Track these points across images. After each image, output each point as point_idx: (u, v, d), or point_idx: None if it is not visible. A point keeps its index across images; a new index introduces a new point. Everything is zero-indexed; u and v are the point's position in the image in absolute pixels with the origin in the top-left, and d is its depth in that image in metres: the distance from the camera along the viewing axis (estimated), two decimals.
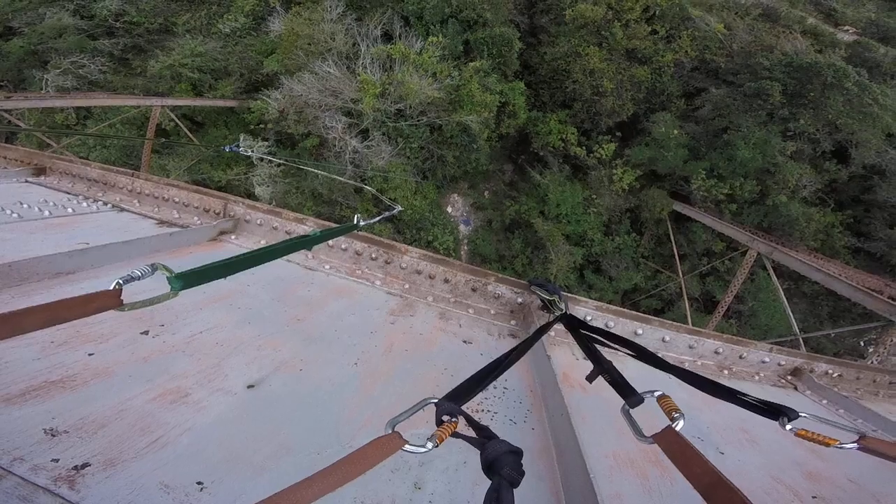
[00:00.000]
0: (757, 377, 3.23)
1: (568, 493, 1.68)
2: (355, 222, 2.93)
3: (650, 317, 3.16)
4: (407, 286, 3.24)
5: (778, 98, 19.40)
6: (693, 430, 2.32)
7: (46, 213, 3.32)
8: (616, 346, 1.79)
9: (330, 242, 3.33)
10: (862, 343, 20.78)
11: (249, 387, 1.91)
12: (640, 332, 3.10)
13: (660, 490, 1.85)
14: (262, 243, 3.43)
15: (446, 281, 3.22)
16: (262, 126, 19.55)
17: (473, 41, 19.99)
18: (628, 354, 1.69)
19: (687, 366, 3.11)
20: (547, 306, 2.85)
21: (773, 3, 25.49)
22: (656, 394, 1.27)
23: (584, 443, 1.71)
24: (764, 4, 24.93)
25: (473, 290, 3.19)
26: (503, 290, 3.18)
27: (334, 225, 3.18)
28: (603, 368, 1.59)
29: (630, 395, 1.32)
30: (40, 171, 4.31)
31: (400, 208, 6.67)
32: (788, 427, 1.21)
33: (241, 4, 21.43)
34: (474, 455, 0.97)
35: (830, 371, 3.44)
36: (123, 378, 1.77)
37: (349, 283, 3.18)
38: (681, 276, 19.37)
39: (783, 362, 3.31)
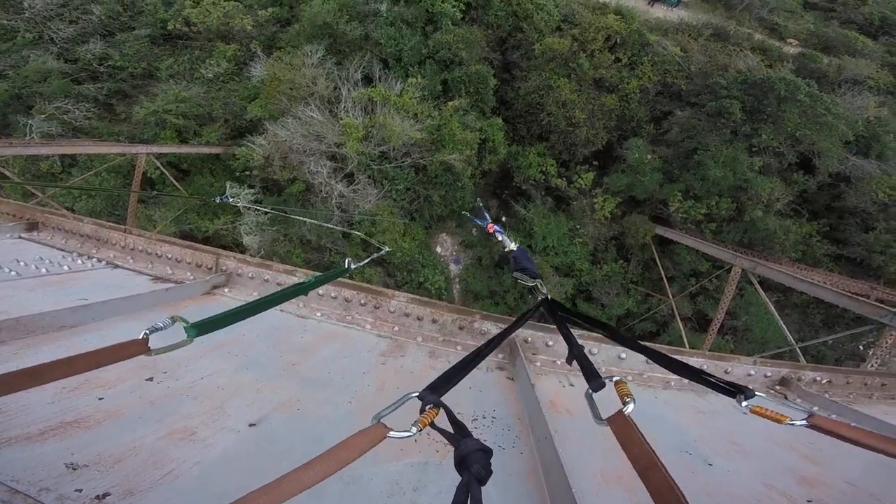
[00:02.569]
0: None
1: None
2: (346, 266, 3.07)
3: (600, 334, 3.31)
4: (396, 328, 3.35)
5: (739, 115, 20.01)
6: (681, 444, 2.42)
7: (43, 270, 3.42)
8: (591, 328, 1.97)
9: (320, 291, 3.45)
10: (861, 347, 20.87)
11: (251, 425, 2.04)
12: (623, 356, 3.22)
13: (648, 501, 1.94)
14: (255, 295, 3.54)
15: (434, 321, 3.34)
16: (247, 173, 19.57)
17: (451, 80, 20.49)
18: (602, 335, 1.87)
19: (672, 385, 3.22)
20: (531, 291, 2.96)
21: (722, 23, 26.65)
22: (614, 379, 1.39)
23: (569, 463, 1.82)
24: (714, 25, 26.05)
25: (461, 328, 3.31)
26: (488, 325, 3.30)
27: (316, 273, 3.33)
28: (573, 354, 1.71)
29: (593, 380, 1.44)
30: (33, 226, 4.38)
31: (387, 249, 6.85)
32: (744, 404, 1.35)
33: (222, 50, 21.70)
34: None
35: (819, 378, 3.53)
36: (133, 419, 1.91)
37: (340, 328, 3.29)
38: (671, 297, 19.53)
39: (769, 373, 3.42)
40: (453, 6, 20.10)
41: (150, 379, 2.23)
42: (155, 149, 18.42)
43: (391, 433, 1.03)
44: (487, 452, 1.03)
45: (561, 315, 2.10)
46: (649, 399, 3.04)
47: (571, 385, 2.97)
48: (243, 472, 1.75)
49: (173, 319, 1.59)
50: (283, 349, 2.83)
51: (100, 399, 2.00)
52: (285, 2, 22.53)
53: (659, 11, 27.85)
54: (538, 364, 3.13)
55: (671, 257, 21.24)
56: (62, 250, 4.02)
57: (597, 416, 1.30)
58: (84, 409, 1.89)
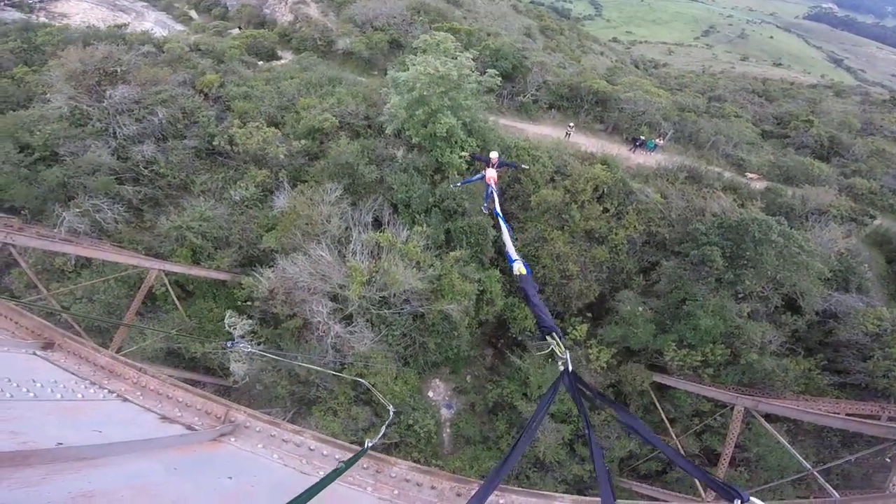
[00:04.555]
0: None
1: None
2: (365, 446, 3.28)
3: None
4: (396, 492, 3.42)
5: (720, 262, 20.82)
6: None
7: (59, 395, 3.50)
8: (613, 409, 2.03)
9: (325, 452, 3.59)
10: (888, 459, 19.66)
11: None
12: None
13: None
14: (259, 447, 3.66)
15: (433, 487, 3.43)
16: (248, 303, 19.79)
17: (454, 230, 21.79)
18: (615, 417, 1.98)
19: None
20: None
21: (694, 164, 28.97)
22: None
23: None
24: (687, 167, 28.17)
25: (458, 494, 3.39)
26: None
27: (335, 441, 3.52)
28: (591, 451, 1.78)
29: (607, 498, 1.50)
30: (48, 345, 4.48)
31: (394, 410, 6.87)
32: None
33: (253, 174, 23.01)
34: None
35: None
36: None
37: (343, 488, 3.36)
38: (674, 437, 19.09)
39: None
40: (460, 157, 21.94)
41: None
42: (168, 266, 18.89)
43: None
44: None
45: (581, 389, 2.15)
46: None
47: None
48: None
49: None
50: None
51: None
52: (317, 136, 24.46)
53: (639, 157, 30.50)
54: None
55: (671, 400, 20.92)
56: (75, 375, 4.12)
57: None
58: None
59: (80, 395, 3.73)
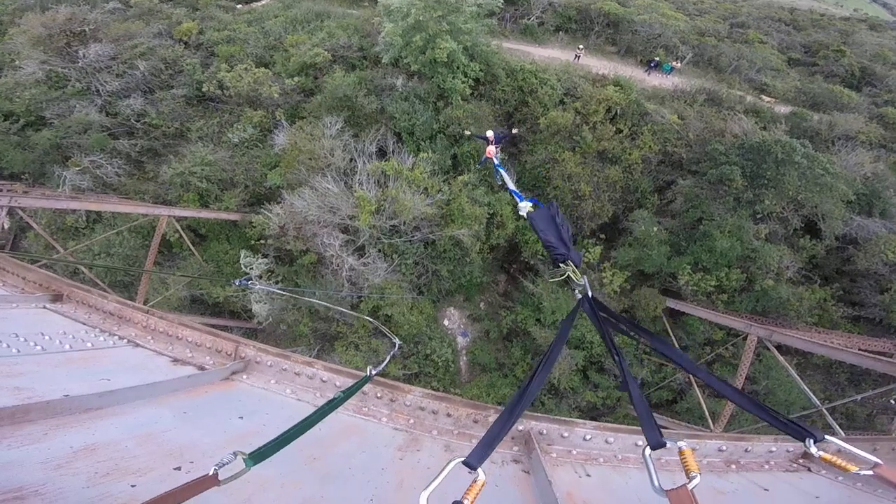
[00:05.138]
0: (767, 466, 3.26)
1: None
2: (368, 374, 3.17)
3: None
4: (412, 421, 3.37)
5: (740, 182, 20.17)
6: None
7: (67, 346, 3.47)
8: (638, 336, 1.84)
9: (338, 383, 3.51)
10: (893, 401, 19.99)
11: None
12: (639, 443, 3.19)
13: None
14: (272, 383, 3.60)
15: (448, 415, 3.36)
16: (262, 242, 20.01)
17: (460, 154, 21.46)
18: (644, 344, 1.81)
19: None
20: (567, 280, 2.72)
21: (714, 87, 27.70)
22: (680, 444, 1.24)
23: None
24: (707, 89, 26.97)
25: (475, 421, 3.33)
26: None
27: (343, 371, 3.43)
28: (626, 388, 1.59)
29: (653, 437, 1.28)
30: (57, 297, 4.46)
31: (399, 343, 6.87)
32: (814, 450, 1.32)
33: (250, 116, 22.83)
34: None
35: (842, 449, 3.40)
36: None
37: (357, 420, 3.33)
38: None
39: (791, 448, 3.33)
40: (463, 82, 21.28)
41: (178, 468, 2.26)
42: (177, 212, 19.02)
43: None
44: None
45: (604, 317, 1.97)
46: (666, 480, 2.96)
47: (588, 475, 2.94)
48: None
49: (235, 454, 1.70)
50: (303, 443, 2.81)
51: (132, 486, 2.02)
52: (310, 73, 23.88)
53: (655, 80, 29.17)
54: (553, 455, 3.12)
55: (684, 328, 21.00)
56: (85, 324, 4.10)
57: (655, 484, 1.19)
58: (119, 496, 1.92)
59: (89, 345, 3.66)
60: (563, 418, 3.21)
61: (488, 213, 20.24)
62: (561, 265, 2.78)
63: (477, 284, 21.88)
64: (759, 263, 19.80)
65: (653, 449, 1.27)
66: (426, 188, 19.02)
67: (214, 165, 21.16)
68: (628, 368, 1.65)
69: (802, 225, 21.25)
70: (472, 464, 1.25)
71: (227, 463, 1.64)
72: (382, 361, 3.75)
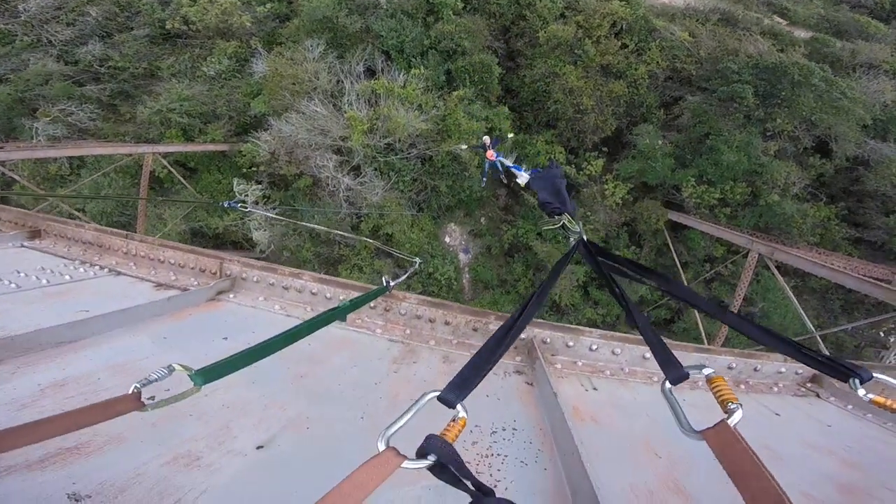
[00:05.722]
0: (776, 388, 3.17)
1: None
2: (385, 285, 2.94)
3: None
4: (408, 331, 3.21)
5: (751, 100, 19.58)
6: (710, 451, 2.24)
7: (44, 281, 3.30)
8: (640, 277, 1.61)
9: (328, 294, 3.31)
10: (882, 334, 20.51)
11: (259, 448, 1.90)
12: (647, 356, 3.05)
13: None
14: (260, 300, 3.42)
15: (447, 323, 3.19)
16: (254, 169, 19.67)
17: (455, 70, 20.36)
18: (652, 286, 1.59)
19: (700, 385, 3.02)
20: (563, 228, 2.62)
21: (730, 7, 26.11)
22: (706, 371, 1.01)
23: (598, 480, 1.67)
24: (721, 10, 25.49)
25: (475, 329, 3.16)
26: None
27: (349, 282, 3.19)
28: (635, 325, 1.33)
29: (671, 368, 1.05)
30: (35, 233, 4.30)
31: (419, 261, 6.61)
32: (861, 392, 1.08)
33: (223, 47, 21.74)
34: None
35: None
36: (135, 443, 1.79)
37: (349, 333, 3.15)
38: (685, 284, 19.28)
39: (800, 370, 3.24)
40: None
41: (152, 398, 2.11)
42: (161, 148, 18.54)
43: (406, 463, 0.82)
44: None
45: (602, 261, 1.79)
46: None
47: (595, 389, 2.81)
48: (251, 501, 1.64)
49: (170, 369, 1.41)
50: (291, 359, 2.68)
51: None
52: None
53: None
54: (558, 366, 2.98)
55: (685, 243, 20.98)
56: (64, 258, 3.91)
57: (684, 426, 0.96)
58: (85, 434, 1.75)
59: (67, 278, 3.47)
60: (568, 325, 3.05)
61: (486, 128, 19.57)
62: (556, 217, 2.62)
63: (477, 199, 21.60)
64: (765, 178, 19.48)
65: (673, 384, 1.03)
66: (420, 105, 18.34)
67: (193, 100, 20.46)
68: (634, 306, 1.38)
69: (813, 144, 20.80)
70: (448, 400, 0.99)
71: (157, 379, 1.38)
72: (399, 276, 3.55)
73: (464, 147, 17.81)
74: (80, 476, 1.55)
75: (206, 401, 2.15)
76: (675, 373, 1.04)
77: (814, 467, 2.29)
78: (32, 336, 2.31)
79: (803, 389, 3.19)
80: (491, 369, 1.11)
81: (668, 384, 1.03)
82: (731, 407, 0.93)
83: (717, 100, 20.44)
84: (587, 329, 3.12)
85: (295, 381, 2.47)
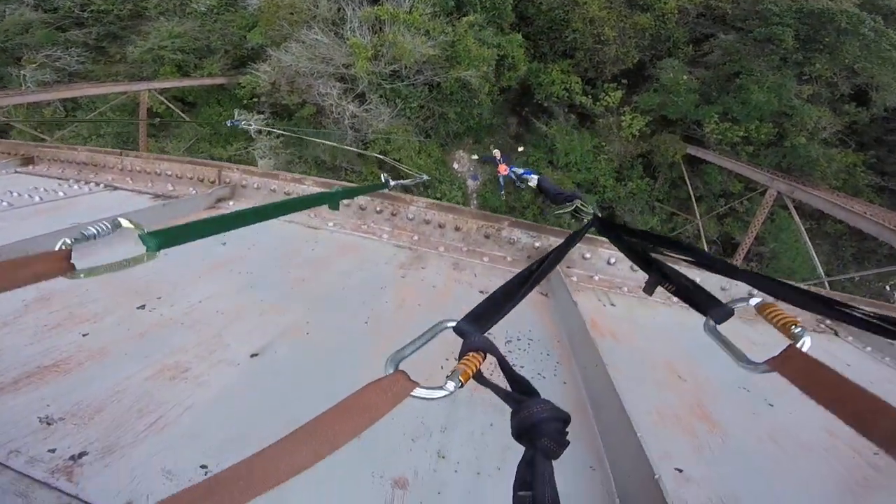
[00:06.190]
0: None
1: (610, 453, 1.50)
2: (384, 181, 2.75)
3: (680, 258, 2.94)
4: (416, 237, 3.07)
5: (791, 43, 18.70)
6: (737, 379, 2.09)
7: (37, 198, 3.24)
8: (665, 251, 1.47)
9: None
10: (887, 287, 20.35)
11: (253, 356, 1.77)
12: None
13: (710, 447, 1.67)
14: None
15: (457, 229, 3.04)
16: (255, 100, 19.22)
17: None
18: (680, 259, 1.41)
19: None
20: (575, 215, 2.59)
21: None
22: (753, 301, 0.89)
23: (625, 397, 1.52)
24: None
25: (486, 236, 3.01)
26: (518, 234, 2.98)
27: (347, 184, 3.02)
28: (662, 275, 1.17)
29: (713, 306, 0.94)
30: (28, 160, 4.26)
31: (426, 176, 6.49)
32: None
33: None
34: (502, 415, 0.73)
35: (874, 313, 3.19)
36: (119, 357, 1.67)
37: (355, 238, 3.01)
38: (698, 217, 19.01)
39: None
40: None
41: (142, 307, 1.99)
42: (156, 84, 18.29)
43: (417, 391, 0.69)
44: (564, 421, 0.70)
45: (618, 235, 1.69)
46: (694, 327, 2.69)
47: (612, 304, 2.66)
48: (241, 416, 1.49)
49: (114, 224, 1.06)
50: (292, 264, 2.55)
51: (84, 335, 1.76)
52: None
53: None
54: (574, 279, 2.84)
55: (701, 177, 20.51)
56: (59, 178, 3.86)
57: (741, 359, 0.81)
58: (66, 349, 1.66)
59: (61, 194, 3.39)
60: (591, 236, 2.86)
61: (498, 55, 18.67)
62: (568, 203, 2.42)
63: (486, 126, 21.00)
64: (794, 120, 18.79)
65: (718, 323, 0.89)
66: (427, 30, 17.46)
67: (185, 36, 19.78)
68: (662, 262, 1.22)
69: (851, 92, 19.96)
70: (467, 332, 0.82)
71: (96, 235, 1.02)
72: (404, 178, 3.37)
73: (475, 157, 17.42)
74: (54, 397, 1.44)
75: (199, 308, 2.03)
76: (720, 312, 0.91)
77: None
78: (20, 245, 2.18)
79: (822, 326, 3.06)
80: (508, 313, 0.95)
81: (710, 321, 0.90)
82: (797, 331, 0.77)
83: (753, 40, 19.44)
84: (605, 240, 2.93)
85: (296, 286, 2.33)
